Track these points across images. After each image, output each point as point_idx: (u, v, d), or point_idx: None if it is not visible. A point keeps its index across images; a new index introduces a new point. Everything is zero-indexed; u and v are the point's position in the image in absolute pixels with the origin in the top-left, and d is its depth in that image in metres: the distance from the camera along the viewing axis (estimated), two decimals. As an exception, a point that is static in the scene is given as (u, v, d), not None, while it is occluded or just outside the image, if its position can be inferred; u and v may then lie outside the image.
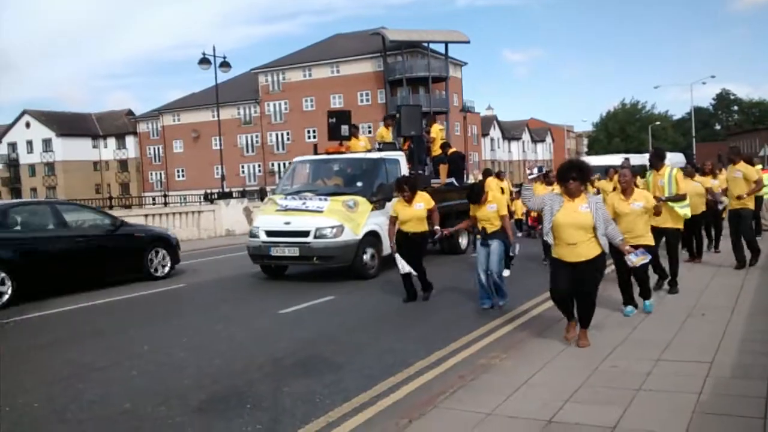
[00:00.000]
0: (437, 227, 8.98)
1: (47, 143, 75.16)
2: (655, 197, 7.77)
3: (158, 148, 71.76)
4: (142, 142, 73.80)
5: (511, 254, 8.90)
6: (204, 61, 28.47)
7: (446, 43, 57.76)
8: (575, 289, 5.95)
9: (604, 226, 5.88)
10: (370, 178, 11.93)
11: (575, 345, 6.05)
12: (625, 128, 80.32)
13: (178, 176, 69.39)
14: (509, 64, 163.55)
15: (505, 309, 8.17)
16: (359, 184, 11.91)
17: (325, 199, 11.32)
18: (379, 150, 13.08)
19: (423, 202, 9.01)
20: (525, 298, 8.78)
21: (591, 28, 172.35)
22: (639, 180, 10.01)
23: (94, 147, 77.67)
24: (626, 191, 7.21)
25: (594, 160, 24.95)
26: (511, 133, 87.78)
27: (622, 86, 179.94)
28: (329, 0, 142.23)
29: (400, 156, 12.96)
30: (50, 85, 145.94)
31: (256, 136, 64.72)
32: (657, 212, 7.39)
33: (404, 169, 12.57)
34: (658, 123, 79.54)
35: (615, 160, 22.33)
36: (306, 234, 10.92)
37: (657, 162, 8.69)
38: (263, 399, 5.25)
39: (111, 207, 21.95)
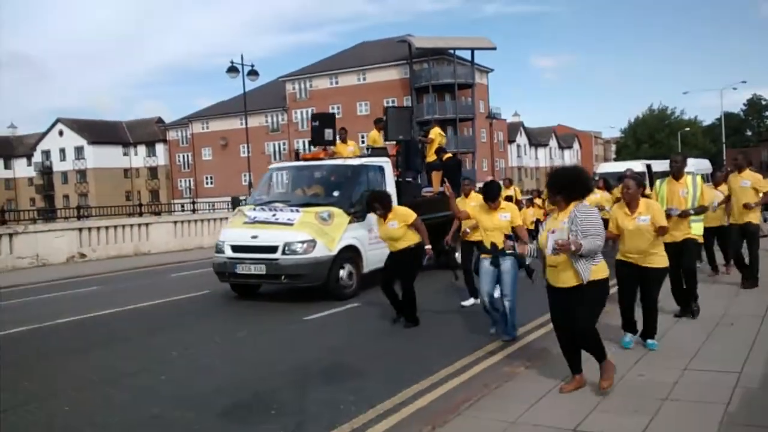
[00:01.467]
0: (428, 246, 7.98)
1: (79, 151, 76.58)
2: (668, 210, 6.87)
3: (187, 156, 72.68)
4: (171, 150, 74.82)
5: (529, 269, 6.87)
6: (232, 69, 28.82)
7: (472, 50, 57.64)
8: (569, 321, 4.94)
9: (584, 241, 4.65)
10: (348, 187, 10.85)
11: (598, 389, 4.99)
12: (653, 134, 79.25)
13: (207, 183, 70.19)
14: (537, 70, 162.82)
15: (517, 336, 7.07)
16: (336, 193, 10.80)
17: (297, 211, 10.24)
18: (368, 155, 12.23)
19: (396, 219, 7.90)
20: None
21: (620, 33, 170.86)
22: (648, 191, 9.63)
23: (125, 154, 78.93)
24: (631, 204, 6.06)
25: (608, 167, 24.14)
26: (537, 139, 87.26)
27: (651, 92, 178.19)
28: (356, 8, 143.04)
29: (386, 163, 11.74)
30: (83, 94, 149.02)
31: (284, 144, 65.22)
32: (662, 232, 5.97)
33: (390, 177, 11.55)
34: (687, 129, 78.38)
35: (636, 166, 21.66)
36: (274, 249, 9.84)
37: (679, 168, 7.42)
38: (288, 405, 5.30)
39: (141, 214, 22.34)
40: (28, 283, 14.09)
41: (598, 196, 11.91)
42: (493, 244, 6.90)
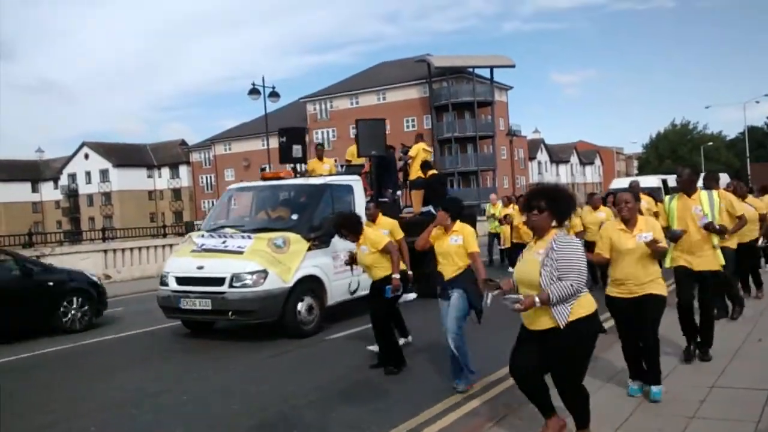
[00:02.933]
0: (395, 276, 6.76)
1: (104, 174, 77.75)
2: (703, 223, 6.04)
3: (210, 177, 73.43)
4: (194, 172, 75.67)
5: (480, 307, 5.86)
6: (254, 91, 29.20)
7: (491, 68, 57.85)
8: (548, 369, 4.08)
9: (552, 281, 3.83)
10: (308, 209, 9.75)
11: None
12: (676, 149, 78.49)
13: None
14: (557, 87, 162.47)
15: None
16: (294, 216, 9.73)
17: (249, 238, 9.18)
18: (343, 173, 11.30)
19: (367, 244, 6.92)
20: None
21: (641, 47, 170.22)
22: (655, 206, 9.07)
23: (149, 177, 79.98)
24: (629, 221, 5.17)
25: (620, 183, 22.46)
26: (558, 156, 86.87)
27: (673, 106, 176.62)
28: (374, 30, 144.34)
29: (355, 181, 10.66)
30: (108, 118, 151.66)
31: (305, 164, 65.57)
32: (658, 251, 5.07)
33: (360, 197, 10.43)
34: (710, 143, 77.54)
35: (652, 180, 20.79)
36: (220, 282, 8.74)
37: (686, 183, 6.31)
38: (311, 426, 5.31)
39: (164, 235, 22.56)
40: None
41: (603, 215, 10.55)
42: (440, 274, 6.06)
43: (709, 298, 6.34)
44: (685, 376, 5.76)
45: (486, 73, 58.61)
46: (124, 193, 76.45)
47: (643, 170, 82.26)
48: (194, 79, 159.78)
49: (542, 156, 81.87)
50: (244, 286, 8.64)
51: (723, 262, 6.29)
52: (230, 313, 8.73)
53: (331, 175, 11.34)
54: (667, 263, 6.03)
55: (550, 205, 3.91)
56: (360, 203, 10.17)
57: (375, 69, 66.78)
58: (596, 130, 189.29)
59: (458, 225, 6.05)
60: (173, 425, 5.48)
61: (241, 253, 8.91)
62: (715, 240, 6.15)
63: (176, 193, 79.44)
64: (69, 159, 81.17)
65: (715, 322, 6.53)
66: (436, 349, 7.83)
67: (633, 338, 5.25)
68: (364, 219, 7.48)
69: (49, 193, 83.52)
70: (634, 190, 10.88)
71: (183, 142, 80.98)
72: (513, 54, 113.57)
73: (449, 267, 5.95)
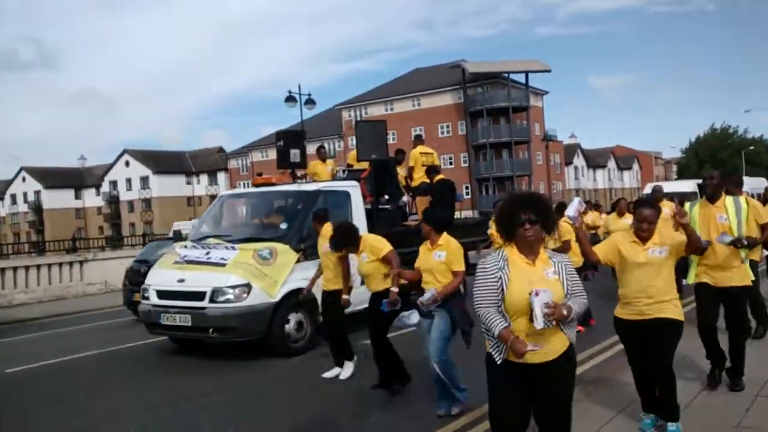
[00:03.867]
0: (393, 289, 5.97)
1: (145, 180, 79.34)
2: (719, 238, 5.40)
3: (248, 184, 74.14)
4: (232, 178, 76.72)
5: (466, 328, 5.47)
6: (290, 98, 29.50)
7: (527, 73, 57.53)
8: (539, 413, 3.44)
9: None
10: (298, 217, 9.02)
11: None
12: (716, 154, 76.86)
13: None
14: (594, 91, 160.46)
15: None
16: (283, 226, 9.06)
17: (233, 248, 8.53)
18: (344, 178, 10.76)
19: (367, 251, 6.28)
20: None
21: (681, 50, 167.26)
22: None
23: (188, 183, 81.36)
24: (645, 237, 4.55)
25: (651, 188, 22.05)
26: (595, 161, 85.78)
27: (713, 110, 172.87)
28: (408, 37, 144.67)
29: (352, 187, 9.87)
30: (148, 126, 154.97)
31: (341, 170, 65.97)
32: (694, 248, 4.62)
33: (358, 205, 9.71)
34: (751, 147, 75.81)
35: (687, 185, 19.77)
36: (201, 296, 8.13)
37: (714, 190, 5.65)
38: (346, 429, 5.44)
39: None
40: (96, 308, 14.75)
41: (630, 221, 9.66)
42: (423, 292, 5.59)
43: (741, 317, 5.67)
44: (709, 409, 5.14)
45: (521, 78, 58.34)
46: (164, 200, 77.84)
47: (682, 175, 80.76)
48: (232, 88, 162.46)
49: (579, 161, 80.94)
50: (226, 301, 8.01)
51: (753, 277, 5.74)
52: (211, 331, 8.05)
53: (329, 180, 10.72)
54: (690, 279, 5.69)
55: (539, 216, 3.32)
56: (358, 210, 9.54)
57: (409, 75, 66.96)
58: (634, 135, 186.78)
59: (444, 239, 5.62)
60: (223, 425, 5.66)
61: (223, 265, 8.26)
62: (743, 253, 5.55)
63: (214, 199, 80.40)
64: (110, 166, 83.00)
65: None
66: (480, 352, 7.79)
67: (644, 366, 4.62)
68: (364, 229, 6.87)
69: (91, 199, 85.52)
70: (657, 197, 10.11)
71: (221, 149, 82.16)
72: (548, 58, 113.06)
73: (432, 285, 5.50)
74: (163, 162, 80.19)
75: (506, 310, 3.25)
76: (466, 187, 57.19)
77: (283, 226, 9.06)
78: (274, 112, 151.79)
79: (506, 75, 57.26)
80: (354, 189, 9.86)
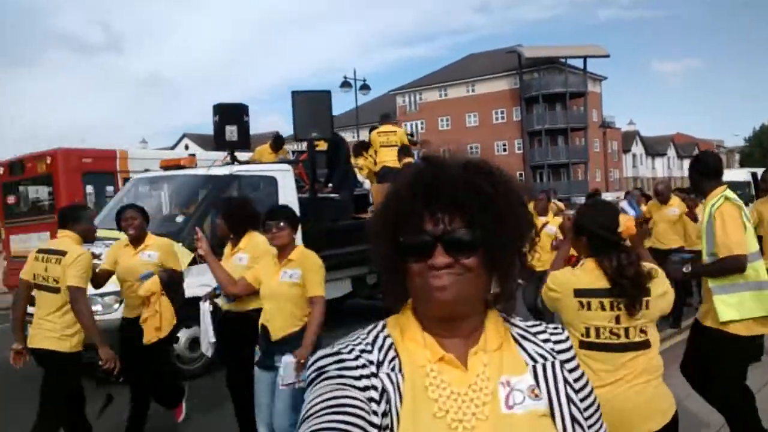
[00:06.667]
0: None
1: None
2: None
3: (300, 168, 75.32)
4: (286, 163, 77.85)
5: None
6: (345, 84, 29.86)
7: (584, 58, 56.46)
8: None
9: None
10: (199, 209, 7.56)
11: None
12: (784, 143, 74.02)
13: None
14: (655, 77, 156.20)
15: None
16: (179, 219, 7.57)
17: (107, 246, 6.54)
18: (292, 161, 9.32)
19: (248, 251, 4.66)
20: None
21: (749, 36, 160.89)
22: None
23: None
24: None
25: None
26: (654, 148, 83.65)
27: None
28: (465, 20, 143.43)
29: (281, 172, 8.20)
30: (208, 110, 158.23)
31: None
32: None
33: (288, 193, 7.97)
34: (822, 136, 72.61)
35: (741, 174, 18.60)
36: None
37: (704, 183, 4.06)
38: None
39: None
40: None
41: (676, 211, 8.65)
42: (264, 329, 4.00)
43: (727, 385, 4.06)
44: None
45: (579, 63, 57.32)
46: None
47: (744, 164, 78.09)
48: (290, 73, 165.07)
49: (637, 148, 79.09)
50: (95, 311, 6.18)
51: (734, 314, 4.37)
52: None
53: (256, 163, 9.06)
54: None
55: (481, 222, 1.28)
56: (288, 201, 7.17)
57: (464, 61, 66.50)
58: (695, 122, 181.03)
59: (297, 252, 4.02)
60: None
61: None
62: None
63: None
64: (171, 149, 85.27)
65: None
66: None
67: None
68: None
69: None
70: (663, 194, 8.79)
71: (277, 134, 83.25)
72: (608, 42, 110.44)
73: (279, 319, 3.93)
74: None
75: None
76: (520, 174, 56.66)
77: (179, 219, 7.50)
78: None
79: (563, 60, 56.35)
80: (283, 174, 8.16)
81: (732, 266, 3.68)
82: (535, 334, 1.23)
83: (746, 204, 4.31)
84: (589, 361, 2.72)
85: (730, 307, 3.74)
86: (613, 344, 2.73)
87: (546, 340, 1.23)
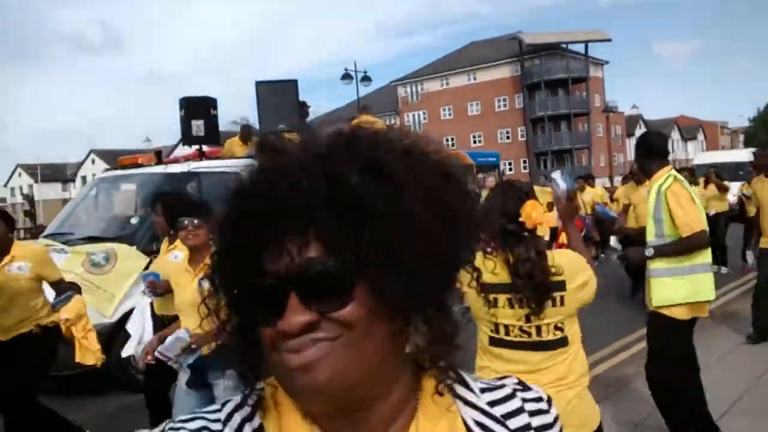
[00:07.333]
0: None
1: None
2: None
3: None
4: (288, 157, 77.81)
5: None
6: (346, 76, 29.75)
7: (586, 43, 56.10)
8: None
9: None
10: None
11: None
12: (788, 122, 73.56)
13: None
14: (658, 60, 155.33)
15: None
16: (134, 221, 7.10)
17: (65, 252, 6.51)
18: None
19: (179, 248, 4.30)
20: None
21: (752, 16, 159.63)
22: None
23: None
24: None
25: (706, 157, 21.04)
26: (658, 131, 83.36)
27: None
28: (467, 9, 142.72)
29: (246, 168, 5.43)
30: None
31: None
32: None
33: None
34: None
35: (742, 155, 18.74)
36: None
37: (650, 164, 3.95)
38: None
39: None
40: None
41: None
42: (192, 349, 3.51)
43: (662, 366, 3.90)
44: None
45: (580, 48, 56.93)
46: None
47: (749, 145, 77.66)
48: (290, 66, 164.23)
49: (641, 132, 78.74)
50: None
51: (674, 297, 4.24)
52: None
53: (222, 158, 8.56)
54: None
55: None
56: None
57: (465, 49, 66.13)
58: (699, 104, 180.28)
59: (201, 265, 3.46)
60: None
61: None
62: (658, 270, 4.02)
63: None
64: (174, 147, 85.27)
65: None
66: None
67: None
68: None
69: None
70: (638, 175, 8.16)
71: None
72: (610, 26, 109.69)
73: (192, 324, 3.37)
74: (225, 141, 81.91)
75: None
76: (524, 162, 56.50)
77: (134, 221, 7.09)
78: (330, 89, 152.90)
79: (565, 46, 56.00)
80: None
81: (699, 242, 3.64)
82: (504, 418, 0.76)
83: (747, 183, 4.38)
84: (500, 361, 2.44)
85: (672, 289, 3.66)
86: (525, 342, 2.40)
87: (524, 427, 0.76)
